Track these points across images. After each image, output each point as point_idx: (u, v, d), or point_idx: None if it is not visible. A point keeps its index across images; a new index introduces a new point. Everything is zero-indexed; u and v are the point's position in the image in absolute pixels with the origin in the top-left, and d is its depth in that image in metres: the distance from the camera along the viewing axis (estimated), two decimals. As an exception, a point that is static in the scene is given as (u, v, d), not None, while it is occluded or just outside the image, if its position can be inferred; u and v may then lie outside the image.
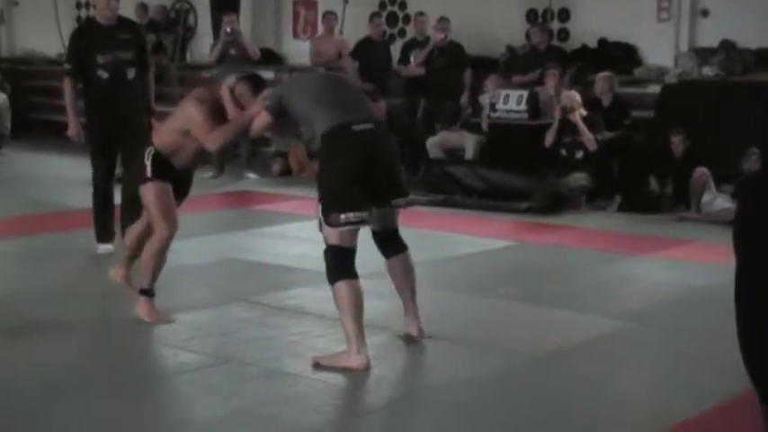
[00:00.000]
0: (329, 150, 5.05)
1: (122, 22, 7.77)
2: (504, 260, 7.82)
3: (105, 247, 7.64)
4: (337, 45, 12.69)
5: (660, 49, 11.78)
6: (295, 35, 14.86)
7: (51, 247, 7.98)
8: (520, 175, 10.24)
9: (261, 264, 7.41)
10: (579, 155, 10.27)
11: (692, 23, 11.67)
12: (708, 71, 11.07)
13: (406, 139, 10.63)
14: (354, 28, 13.18)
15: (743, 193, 6.47)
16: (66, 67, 7.76)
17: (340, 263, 5.02)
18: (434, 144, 11.38)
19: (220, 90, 5.70)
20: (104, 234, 7.67)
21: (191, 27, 15.69)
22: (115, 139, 7.54)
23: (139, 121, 7.47)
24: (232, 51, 12.11)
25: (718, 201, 9.41)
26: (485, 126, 11.37)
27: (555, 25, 12.63)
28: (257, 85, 5.67)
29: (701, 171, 9.53)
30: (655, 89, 11.36)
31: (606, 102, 10.77)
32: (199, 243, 7.94)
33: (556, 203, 9.87)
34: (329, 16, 12.99)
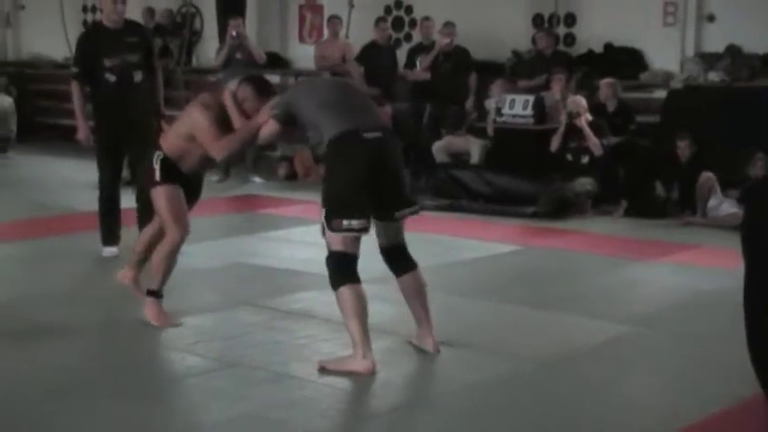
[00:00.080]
0: (337, 156, 5.05)
1: (129, 26, 7.79)
2: (510, 265, 7.82)
3: (110, 250, 7.65)
4: (342, 49, 12.70)
5: (666, 54, 11.76)
6: (301, 39, 14.87)
7: (57, 250, 7.99)
8: (526, 179, 10.24)
9: (267, 268, 7.41)
10: (585, 160, 10.27)
11: (698, 28, 11.66)
12: (714, 76, 11.06)
13: (412, 144, 10.63)
14: (360, 32, 13.18)
15: (749, 199, 6.48)
16: (74, 70, 7.77)
17: (342, 268, 5.02)
18: (440, 148, 11.39)
19: (224, 96, 5.67)
20: (110, 237, 7.68)
21: (197, 31, 15.69)
22: (122, 142, 7.56)
23: (147, 124, 7.48)
24: (238, 55, 12.12)
25: (725, 206, 9.40)
26: (490, 131, 11.37)
27: (561, 30, 12.62)
28: (261, 87, 5.65)
29: (707, 176, 9.52)
30: (661, 94, 11.36)
31: (611, 107, 10.77)
32: (205, 247, 7.94)
33: (562, 208, 9.87)
34: (334, 20, 13.00)
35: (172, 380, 5.10)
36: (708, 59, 11.29)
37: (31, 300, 6.41)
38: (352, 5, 13.61)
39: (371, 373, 4.95)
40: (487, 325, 6.05)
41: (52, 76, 16.37)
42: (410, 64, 12.37)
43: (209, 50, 14.62)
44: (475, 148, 11.32)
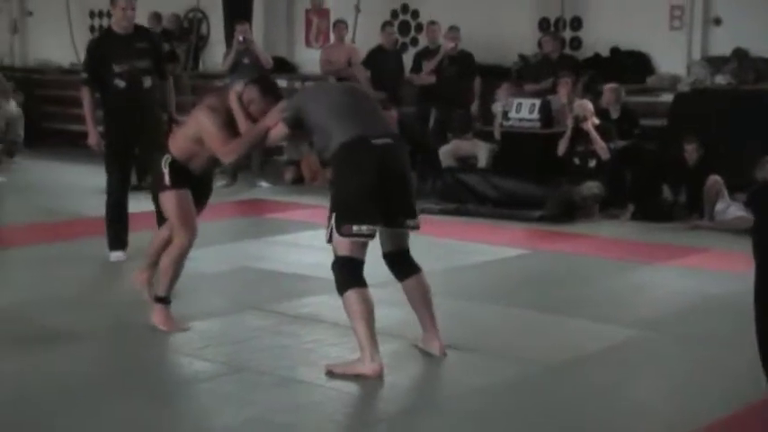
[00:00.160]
0: (346, 162, 5.05)
1: (139, 31, 7.82)
2: (517, 268, 7.82)
3: (118, 255, 7.67)
4: (348, 53, 12.71)
5: (673, 58, 11.75)
6: (308, 44, 14.88)
7: (65, 254, 7.99)
8: (532, 183, 10.24)
9: (274, 272, 7.42)
10: (592, 163, 10.26)
11: (705, 32, 11.64)
12: (720, 80, 11.04)
13: (419, 148, 10.63)
14: (366, 37, 13.20)
15: (757, 202, 6.46)
16: (84, 76, 7.81)
17: (349, 273, 5.03)
18: (447, 152, 11.39)
19: (229, 98, 5.67)
20: (117, 242, 7.69)
21: (203, 36, 15.72)
22: (131, 147, 7.58)
23: (156, 129, 7.49)
24: (245, 60, 12.13)
25: (732, 209, 9.38)
26: (497, 134, 11.38)
27: (567, 34, 12.62)
28: (267, 89, 5.65)
29: (715, 179, 9.51)
30: (667, 98, 11.34)
31: (615, 113, 10.74)
32: (212, 251, 7.95)
33: (569, 212, 9.86)
34: (339, 25, 13.01)
35: (180, 384, 5.10)
36: (714, 63, 11.28)
37: (39, 304, 6.42)
38: (358, 10, 13.63)
39: (379, 375, 4.95)
40: (495, 329, 6.04)
41: (59, 82, 16.41)
42: (416, 68, 12.38)
43: (215, 55, 14.63)
44: (482, 152, 11.33)
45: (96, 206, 8.10)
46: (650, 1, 11.89)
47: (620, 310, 6.49)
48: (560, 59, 11.94)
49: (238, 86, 5.74)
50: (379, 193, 5.03)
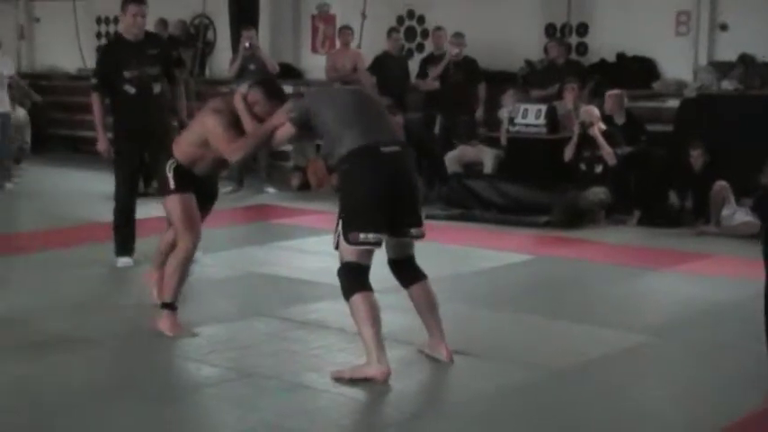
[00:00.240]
0: (355, 169, 5.06)
1: (149, 38, 7.87)
2: (523, 274, 7.82)
3: (125, 261, 7.68)
4: (353, 59, 12.72)
5: (679, 63, 11.75)
6: (314, 50, 14.90)
7: (72, 261, 8.01)
8: (539, 189, 10.24)
9: (281, 278, 7.43)
10: (598, 169, 10.27)
11: (711, 37, 11.64)
12: (727, 85, 11.04)
13: (425, 153, 10.64)
14: (372, 43, 13.21)
15: (763, 208, 6.49)
16: (93, 81, 7.84)
17: (355, 278, 5.05)
18: (453, 158, 11.40)
19: (234, 100, 5.70)
20: (124, 248, 7.71)
21: (210, 42, 15.75)
22: (141, 153, 7.60)
23: (165, 135, 7.50)
24: (251, 66, 12.15)
25: (738, 215, 9.38)
26: (503, 140, 11.38)
27: (573, 39, 12.62)
28: (271, 91, 5.68)
29: (721, 185, 9.51)
30: (674, 103, 11.33)
31: (620, 119, 10.72)
32: (219, 257, 7.98)
33: (575, 218, 9.86)
34: (345, 31, 13.02)
35: (187, 389, 5.11)
36: (721, 68, 11.27)
37: (46, 310, 6.43)
38: (364, 16, 13.63)
39: (387, 378, 4.96)
40: (501, 334, 6.05)
41: (66, 88, 16.45)
42: (422, 74, 12.39)
43: (222, 61, 14.66)
44: (488, 158, 11.34)
45: (103, 212, 8.13)
46: (656, 7, 11.89)
47: (625, 316, 6.49)
48: (566, 65, 11.94)
49: (243, 88, 5.77)
50: (386, 202, 5.04)
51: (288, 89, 11.87)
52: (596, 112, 10.39)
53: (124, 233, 7.71)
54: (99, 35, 17.17)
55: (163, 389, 5.04)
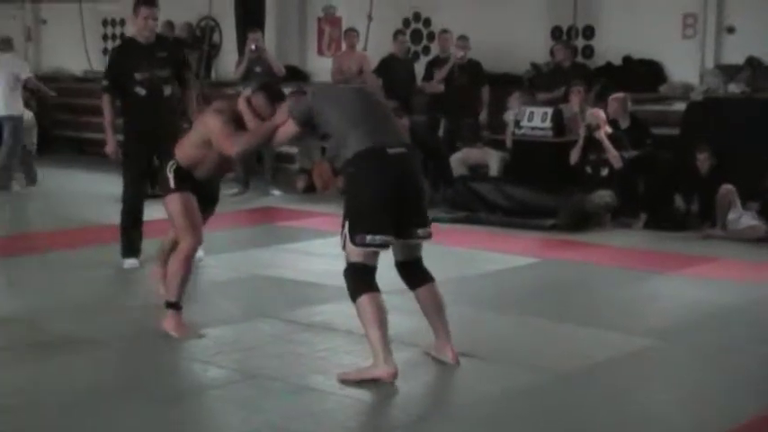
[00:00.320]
0: (361, 171, 5.06)
1: (160, 40, 7.90)
2: (529, 277, 7.81)
3: (131, 262, 7.70)
4: (359, 62, 12.71)
5: (685, 67, 11.74)
6: (320, 52, 14.90)
7: (78, 262, 8.02)
8: (544, 192, 10.23)
9: (287, 280, 7.43)
10: (604, 172, 10.25)
11: (718, 40, 11.62)
12: (733, 88, 11.02)
13: (431, 155, 10.64)
14: (378, 45, 13.21)
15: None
16: (104, 83, 7.87)
17: (361, 278, 5.05)
18: (458, 160, 11.40)
19: (238, 102, 5.76)
20: (131, 249, 7.72)
21: (216, 44, 15.76)
22: (150, 155, 7.61)
23: (175, 137, 7.51)
24: (257, 68, 12.16)
25: (744, 218, 9.37)
26: (509, 143, 11.38)
27: (579, 42, 12.61)
28: (274, 95, 5.72)
29: (727, 188, 9.49)
30: (680, 106, 11.32)
31: (624, 123, 10.70)
32: (225, 259, 7.99)
33: (581, 221, 9.84)
34: (350, 33, 13.02)
35: (193, 390, 5.11)
36: (727, 71, 11.26)
37: (52, 311, 6.44)
38: (370, 18, 13.64)
39: (394, 377, 4.96)
40: (506, 337, 6.04)
41: (72, 90, 16.47)
42: (428, 77, 12.40)
43: (228, 64, 14.67)
44: (493, 161, 11.34)
45: (109, 214, 8.14)
46: (663, 9, 11.88)
47: (631, 320, 6.48)
48: (572, 68, 11.93)
49: (247, 92, 5.82)
50: (393, 204, 5.04)
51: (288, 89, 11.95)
52: (603, 115, 10.38)
53: (132, 234, 7.72)
54: (105, 37, 17.20)
55: (168, 390, 5.04)
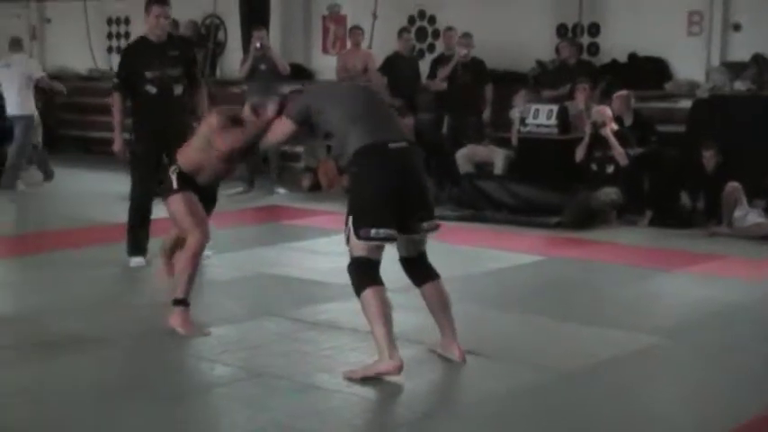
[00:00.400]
0: (364, 166, 5.07)
1: (171, 39, 7.91)
2: (534, 275, 7.81)
3: (138, 261, 7.70)
4: (364, 60, 12.72)
5: (691, 64, 11.72)
6: (325, 50, 14.90)
7: (84, 261, 8.03)
8: (550, 189, 10.23)
9: (292, 278, 7.44)
10: (610, 169, 10.25)
11: (724, 37, 11.61)
12: (739, 85, 11.01)
13: (435, 153, 10.64)
14: (383, 43, 13.21)
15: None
16: (115, 81, 7.89)
17: (365, 272, 5.05)
18: (463, 156, 11.40)
19: (244, 109, 5.87)
20: (137, 248, 7.72)
21: (221, 42, 15.77)
22: (159, 153, 7.61)
23: (184, 136, 7.52)
24: (262, 66, 12.16)
25: (750, 216, 9.36)
26: (515, 141, 11.37)
27: (585, 40, 12.59)
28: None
29: (733, 186, 9.48)
30: (686, 104, 11.31)
31: (628, 121, 10.70)
32: (230, 258, 7.99)
33: (586, 218, 9.84)
34: (355, 31, 13.02)
35: (198, 388, 5.12)
36: (733, 69, 11.25)
37: (58, 310, 6.45)
38: (375, 16, 13.64)
39: (400, 371, 4.95)
40: (511, 335, 6.04)
41: (77, 89, 16.47)
42: (433, 75, 12.40)
43: (233, 62, 14.67)
44: (498, 159, 11.33)
45: (114, 213, 8.15)
46: (668, 7, 11.87)
47: (636, 318, 6.47)
48: (578, 65, 11.93)
49: (254, 100, 5.90)
50: (396, 198, 5.04)
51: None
52: (608, 112, 10.38)
53: (139, 233, 7.72)
54: (110, 36, 17.21)
55: (174, 388, 5.04)
